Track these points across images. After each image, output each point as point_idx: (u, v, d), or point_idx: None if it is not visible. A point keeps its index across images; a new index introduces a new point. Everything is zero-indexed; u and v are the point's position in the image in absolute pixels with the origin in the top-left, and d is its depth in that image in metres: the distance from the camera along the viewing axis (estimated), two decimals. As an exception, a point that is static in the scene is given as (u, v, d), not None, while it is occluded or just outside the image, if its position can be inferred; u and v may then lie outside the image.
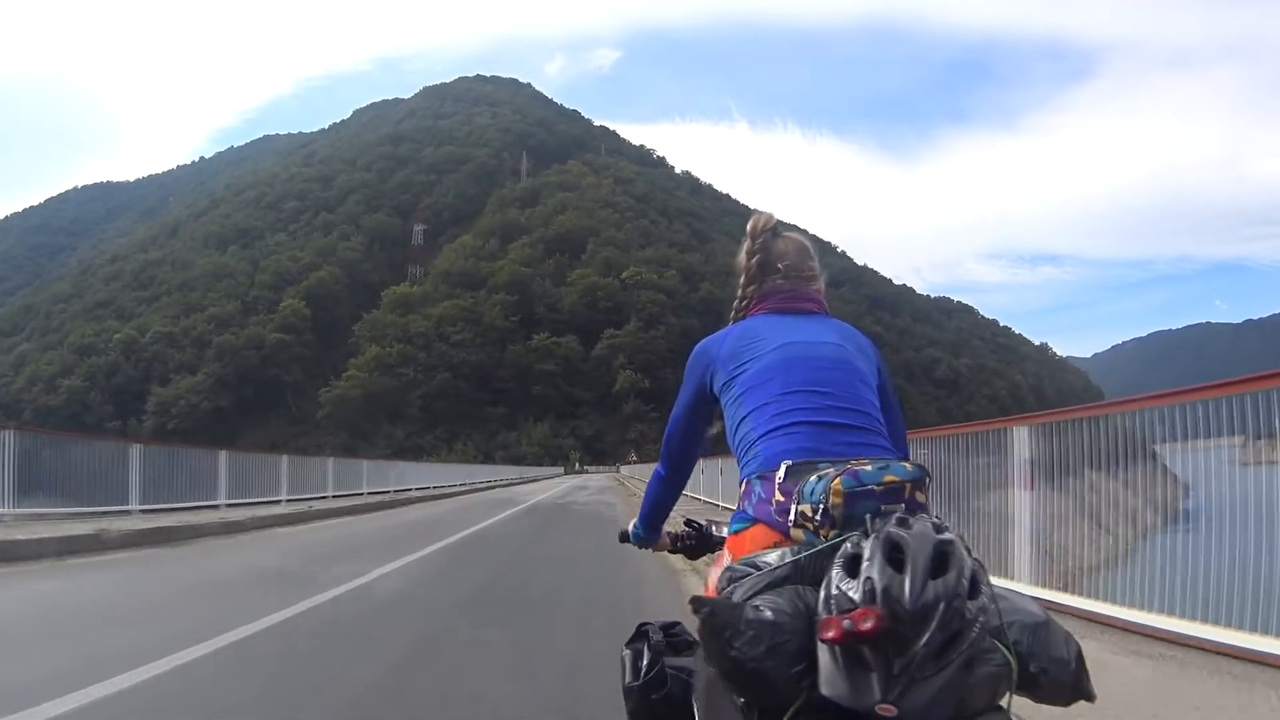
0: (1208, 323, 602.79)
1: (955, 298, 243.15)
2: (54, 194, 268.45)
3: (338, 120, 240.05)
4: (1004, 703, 1.28)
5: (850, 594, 1.19)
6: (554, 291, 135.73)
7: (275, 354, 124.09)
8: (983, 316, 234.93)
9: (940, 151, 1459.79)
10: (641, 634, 1.95)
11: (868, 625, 1.14)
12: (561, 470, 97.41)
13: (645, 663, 1.87)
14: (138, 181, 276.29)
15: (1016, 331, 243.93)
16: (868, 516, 1.32)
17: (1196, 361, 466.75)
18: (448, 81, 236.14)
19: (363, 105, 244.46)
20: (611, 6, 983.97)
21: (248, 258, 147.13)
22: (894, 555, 1.19)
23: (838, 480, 1.40)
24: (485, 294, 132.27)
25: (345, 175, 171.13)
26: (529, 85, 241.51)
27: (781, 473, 1.58)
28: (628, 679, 1.87)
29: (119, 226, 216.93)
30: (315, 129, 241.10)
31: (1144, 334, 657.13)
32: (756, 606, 1.30)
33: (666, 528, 2.36)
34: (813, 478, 1.46)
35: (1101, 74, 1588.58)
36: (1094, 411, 5.90)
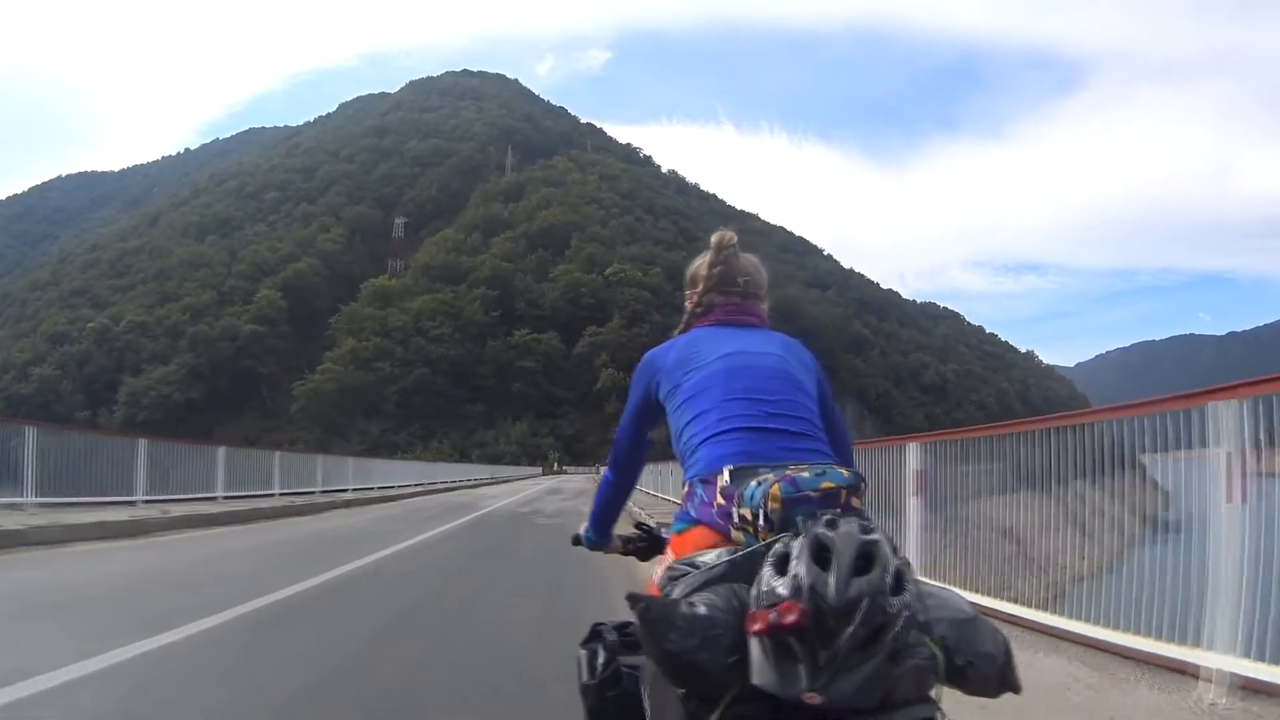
0: (1191, 334, 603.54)
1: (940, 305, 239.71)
2: (38, 183, 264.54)
3: (323, 114, 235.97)
4: (934, 694, 1.36)
5: (778, 590, 1.27)
6: (536, 287, 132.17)
7: (250, 345, 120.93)
8: (969, 323, 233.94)
9: (926, 158, 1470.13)
10: (596, 634, 2.00)
11: (791, 618, 1.21)
12: (539, 470, 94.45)
13: (601, 661, 1.92)
14: (122, 171, 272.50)
15: (1003, 339, 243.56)
16: (799, 519, 1.42)
17: (1180, 372, 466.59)
18: (435, 75, 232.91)
19: (349, 99, 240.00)
20: (603, 7, 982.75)
21: (225, 247, 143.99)
22: (821, 554, 1.27)
23: (776, 486, 1.50)
24: (465, 288, 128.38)
25: (327, 166, 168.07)
26: (516, 81, 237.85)
27: (725, 477, 1.67)
28: (584, 678, 1.92)
29: (103, 216, 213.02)
30: (301, 123, 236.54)
31: (1128, 344, 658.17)
32: (691, 602, 1.38)
33: (616, 530, 2.40)
34: (753, 483, 1.56)
35: (1090, 85, 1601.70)
36: (1080, 419, 5.59)
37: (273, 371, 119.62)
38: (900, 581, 1.27)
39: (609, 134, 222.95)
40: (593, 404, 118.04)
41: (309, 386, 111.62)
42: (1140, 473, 5.03)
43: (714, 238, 2.09)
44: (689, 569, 1.51)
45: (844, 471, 1.56)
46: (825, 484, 1.50)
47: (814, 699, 1.23)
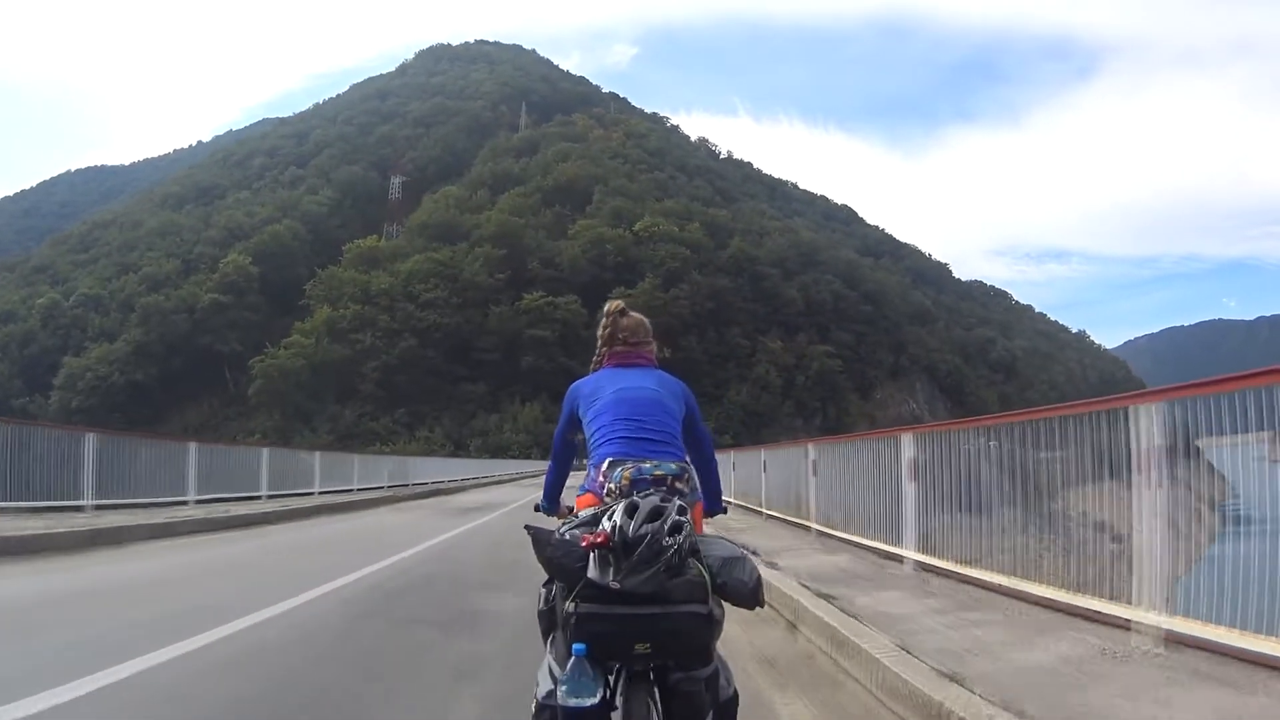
0: (1219, 319, 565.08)
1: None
2: (46, 178, 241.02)
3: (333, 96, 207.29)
4: (710, 600, 2.18)
5: (605, 526, 2.16)
6: (551, 245, 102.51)
7: (210, 319, 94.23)
8: (1017, 302, 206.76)
9: (947, 148, 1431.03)
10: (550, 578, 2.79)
11: (600, 539, 2.12)
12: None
13: (552, 595, 2.59)
14: (133, 165, 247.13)
15: (1053, 318, 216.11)
16: (637, 492, 2.35)
17: (1209, 357, 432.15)
18: (453, 44, 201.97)
19: (360, 80, 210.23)
20: (623, 4, 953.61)
21: (201, 215, 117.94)
22: (631, 510, 2.17)
23: (628, 471, 2.50)
24: (466, 247, 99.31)
25: (321, 130, 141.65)
26: (533, 51, 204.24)
27: (605, 465, 2.63)
28: (540, 606, 2.63)
29: (111, 209, 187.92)
30: (310, 105, 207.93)
31: (1156, 330, 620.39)
32: (563, 532, 2.29)
33: (564, 502, 3.22)
34: (619, 470, 2.54)
35: (1107, 73, 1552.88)
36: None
37: (237, 349, 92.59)
38: (676, 528, 2.13)
39: (633, 104, 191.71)
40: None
41: (272, 364, 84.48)
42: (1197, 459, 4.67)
43: (605, 306, 3.10)
44: (575, 518, 2.41)
45: (673, 465, 2.55)
46: (657, 472, 2.47)
47: (615, 586, 2.06)
